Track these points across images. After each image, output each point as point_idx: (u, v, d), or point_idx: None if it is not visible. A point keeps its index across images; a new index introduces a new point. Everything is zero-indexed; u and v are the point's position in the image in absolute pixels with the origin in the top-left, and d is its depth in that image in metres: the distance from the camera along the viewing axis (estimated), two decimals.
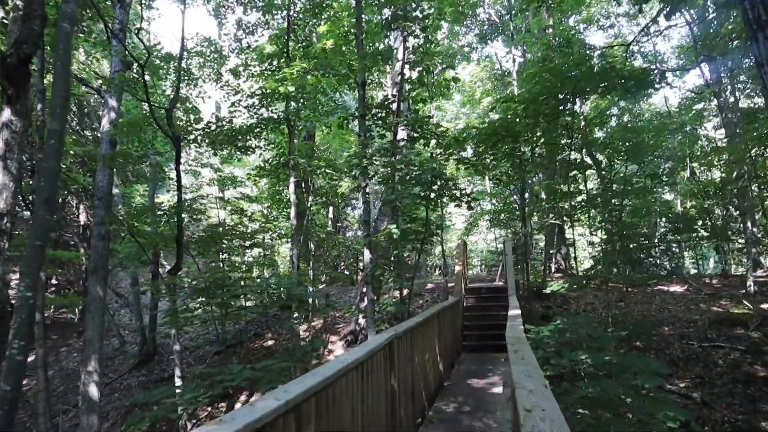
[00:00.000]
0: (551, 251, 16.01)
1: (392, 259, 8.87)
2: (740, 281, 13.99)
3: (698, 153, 19.85)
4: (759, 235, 17.14)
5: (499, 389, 7.16)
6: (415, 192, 8.11)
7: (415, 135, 8.43)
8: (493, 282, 15.16)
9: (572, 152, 13.08)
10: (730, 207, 19.62)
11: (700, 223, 18.22)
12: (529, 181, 14.47)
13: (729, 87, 19.02)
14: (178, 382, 10.24)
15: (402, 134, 10.19)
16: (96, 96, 18.43)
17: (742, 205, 16.92)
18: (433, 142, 8.31)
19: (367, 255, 8.45)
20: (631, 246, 12.71)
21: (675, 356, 9.67)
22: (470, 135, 8.84)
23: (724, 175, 20.77)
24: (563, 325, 6.94)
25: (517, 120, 7.78)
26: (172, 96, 12.28)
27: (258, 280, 11.63)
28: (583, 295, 13.20)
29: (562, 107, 9.30)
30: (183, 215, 11.44)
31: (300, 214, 13.00)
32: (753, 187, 17.19)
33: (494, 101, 11.60)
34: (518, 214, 14.49)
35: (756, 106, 19.05)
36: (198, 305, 9.47)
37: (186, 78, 15.29)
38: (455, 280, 11.50)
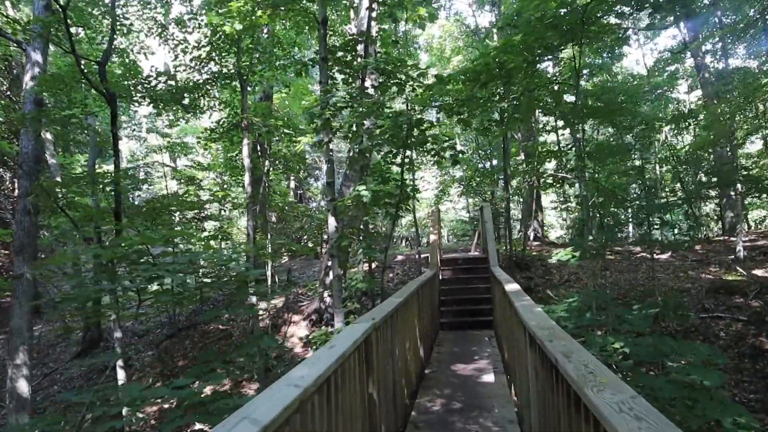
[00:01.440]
0: (528, 219, 15.08)
1: (361, 227, 7.59)
2: (724, 246, 13.40)
3: (671, 116, 19.14)
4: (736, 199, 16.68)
5: (490, 377, 6.08)
6: (387, 149, 6.81)
7: (388, 80, 7.08)
8: (468, 252, 14.15)
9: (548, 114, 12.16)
10: (701, 172, 19.09)
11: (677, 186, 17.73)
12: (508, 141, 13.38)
13: (707, 45, 18.30)
14: (120, 374, 8.87)
15: (371, 83, 8.80)
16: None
17: (722, 167, 16.37)
18: (408, 89, 6.99)
19: (331, 223, 7.17)
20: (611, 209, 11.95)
21: (671, 329, 8.88)
22: (456, 74, 7.56)
23: (696, 138, 20.30)
24: (578, 303, 5.85)
25: (511, 56, 6.56)
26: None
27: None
28: (565, 264, 12.32)
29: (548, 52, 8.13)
30: (123, 185, 9.93)
31: (256, 180, 11.54)
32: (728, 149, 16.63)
33: (466, 60, 10.45)
34: (498, 178, 13.41)
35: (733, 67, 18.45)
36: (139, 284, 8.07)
37: (122, 27, 13.34)
38: (430, 251, 10.39)
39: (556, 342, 2.48)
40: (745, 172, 14.21)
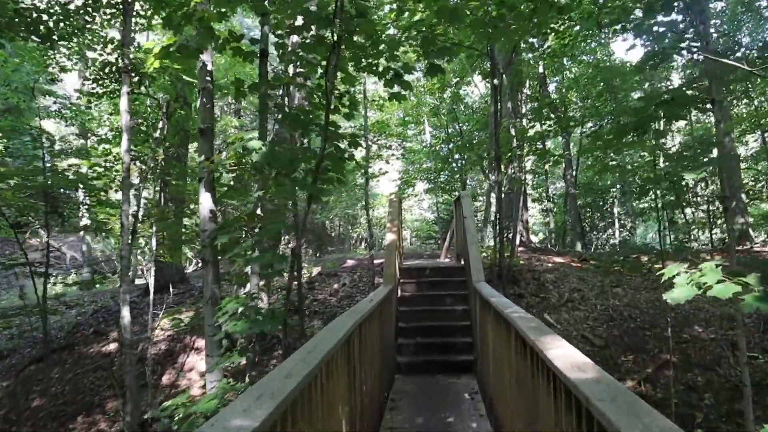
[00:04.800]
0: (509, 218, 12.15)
1: (259, 213, 4.35)
2: (750, 255, 10.78)
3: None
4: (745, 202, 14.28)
5: None
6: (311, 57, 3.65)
7: None
8: (437, 258, 11.06)
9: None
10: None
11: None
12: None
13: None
14: None
15: None
16: None
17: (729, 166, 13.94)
18: None
19: (205, 204, 3.96)
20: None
21: (737, 380, 6.05)
22: None
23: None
24: None
25: None
26: None
27: None
28: (564, 277, 9.40)
29: None
30: None
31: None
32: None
33: None
34: (487, 156, 10.36)
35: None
36: None
37: None
38: (385, 255, 7.24)
39: None
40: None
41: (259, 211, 4.07)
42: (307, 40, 3.66)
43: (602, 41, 16.55)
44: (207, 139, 4.02)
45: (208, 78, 4.01)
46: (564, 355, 2.00)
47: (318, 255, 20.71)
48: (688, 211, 19.31)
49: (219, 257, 3.96)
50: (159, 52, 3.64)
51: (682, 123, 19.43)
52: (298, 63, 4.09)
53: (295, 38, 5.03)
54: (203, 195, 4.03)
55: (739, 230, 13.49)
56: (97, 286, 16.87)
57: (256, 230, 3.82)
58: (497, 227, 7.94)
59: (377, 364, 4.69)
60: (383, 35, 5.26)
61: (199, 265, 14.71)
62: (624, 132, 4.55)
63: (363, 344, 3.82)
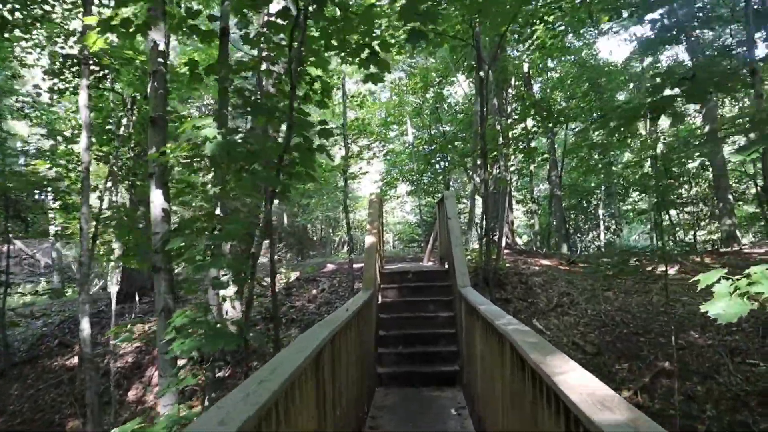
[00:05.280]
0: (495, 219, 11.79)
1: (218, 213, 3.85)
2: (741, 258, 10.55)
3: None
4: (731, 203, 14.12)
5: None
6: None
7: None
8: (420, 262, 10.64)
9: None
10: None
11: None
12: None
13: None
14: None
15: None
16: None
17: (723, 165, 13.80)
18: None
19: (157, 202, 3.51)
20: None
21: (738, 388, 5.72)
22: None
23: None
24: None
25: None
26: None
27: None
28: (552, 280, 9.05)
29: None
30: None
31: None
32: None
33: None
34: (471, 155, 9.96)
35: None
36: None
37: None
38: (365, 259, 6.80)
39: None
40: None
41: (219, 212, 3.61)
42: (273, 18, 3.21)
43: (587, 41, 16.38)
44: (159, 129, 3.55)
45: (161, 60, 3.54)
46: (579, 383, 1.58)
47: (300, 259, 20.17)
48: (672, 213, 19.18)
49: (172, 263, 3.49)
50: (100, 27, 3.16)
51: (665, 125, 19.35)
52: (265, 45, 3.64)
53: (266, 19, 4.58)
54: (154, 192, 3.55)
55: (726, 231, 13.35)
56: (68, 293, 16.13)
57: (216, 232, 3.35)
58: (483, 228, 7.55)
59: (354, 378, 4.24)
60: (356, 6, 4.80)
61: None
62: (636, 116, 4.16)
63: (337, 359, 3.37)
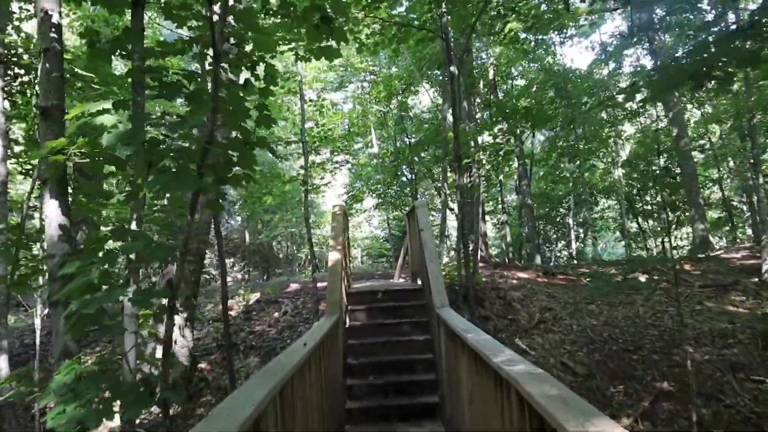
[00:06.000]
0: (469, 231, 11.17)
1: (133, 227, 3.06)
2: (723, 266, 10.21)
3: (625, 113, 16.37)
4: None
5: None
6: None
7: None
8: (390, 279, 9.90)
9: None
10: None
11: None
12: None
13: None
14: None
15: None
16: None
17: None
18: None
19: (52, 214, 2.69)
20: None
21: (747, 410, 5.17)
22: None
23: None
24: None
25: None
26: None
27: None
28: (532, 294, 8.46)
29: None
30: None
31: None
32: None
33: None
34: (445, 159, 9.28)
35: None
36: None
37: None
38: (329, 279, 6.02)
39: None
40: None
41: (134, 226, 2.81)
42: None
43: (550, 48, 16.15)
44: (54, 122, 2.73)
45: (54, 34, 2.75)
46: None
47: (266, 278, 19.14)
48: (640, 220, 19.05)
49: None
50: None
51: (631, 130, 19.32)
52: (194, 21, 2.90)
53: None
54: (49, 203, 2.73)
55: (700, 237, 13.12)
56: (12, 321, 14.71)
57: (132, 256, 2.56)
58: (460, 239, 6.88)
59: (317, 423, 3.46)
60: None
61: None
62: (681, 75, 3.53)
63: (289, 414, 2.59)
